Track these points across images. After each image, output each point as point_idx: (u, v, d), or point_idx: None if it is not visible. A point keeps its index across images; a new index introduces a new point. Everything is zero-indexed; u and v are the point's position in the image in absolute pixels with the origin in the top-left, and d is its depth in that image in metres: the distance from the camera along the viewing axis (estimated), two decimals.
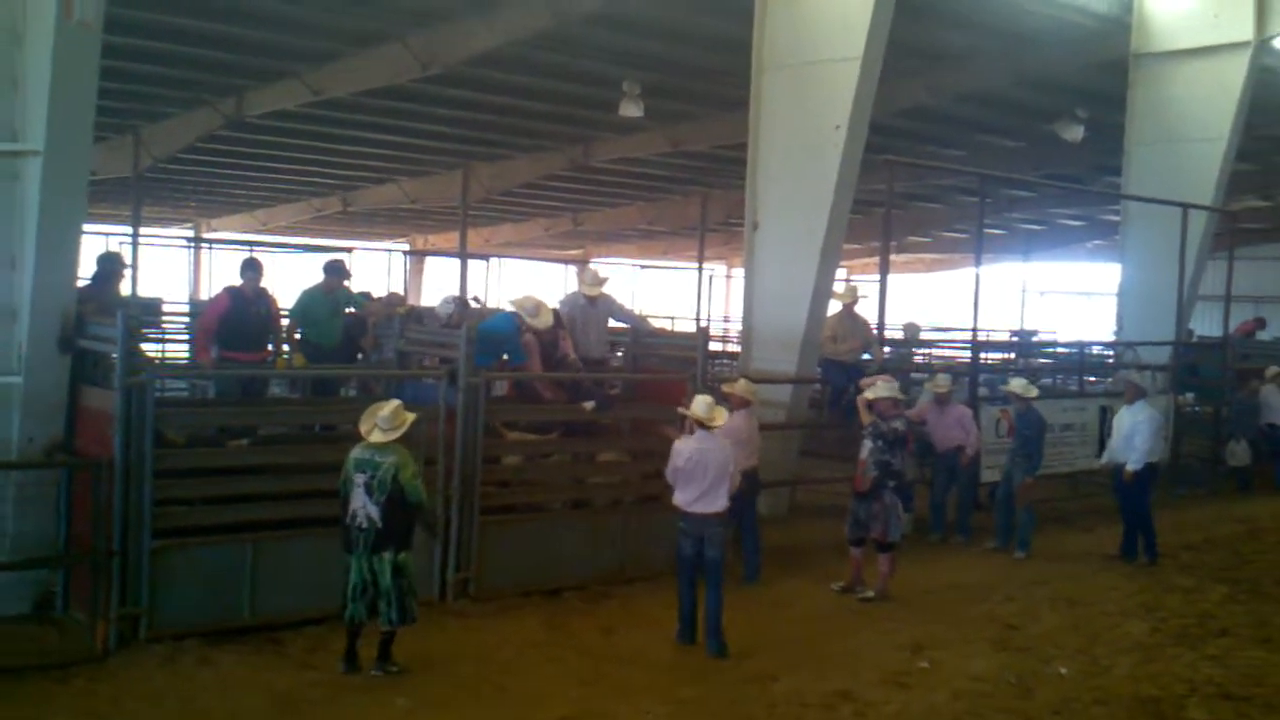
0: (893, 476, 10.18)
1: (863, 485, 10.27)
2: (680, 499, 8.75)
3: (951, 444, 12.37)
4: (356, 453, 7.77)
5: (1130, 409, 12.05)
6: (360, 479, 7.64)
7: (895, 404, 10.60)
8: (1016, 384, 12.13)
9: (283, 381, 12.65)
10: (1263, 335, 23.72)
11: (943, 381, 12.55)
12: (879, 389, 10.55)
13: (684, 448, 8.77)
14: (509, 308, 10.78)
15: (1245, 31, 17.11)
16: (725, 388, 10.66)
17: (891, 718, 7.30)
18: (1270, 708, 7.44)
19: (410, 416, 7.88)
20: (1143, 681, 7.94)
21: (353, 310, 12.06)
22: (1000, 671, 8.17)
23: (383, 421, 7.72)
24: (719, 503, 8.67)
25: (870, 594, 10.32)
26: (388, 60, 16.40)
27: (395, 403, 7.90)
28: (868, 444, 10.30)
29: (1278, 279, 32.73)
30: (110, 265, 11.54)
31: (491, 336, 10.25)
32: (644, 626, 9.09)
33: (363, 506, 7.63)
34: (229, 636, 8.24)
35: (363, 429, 7.78)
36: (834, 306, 13.52)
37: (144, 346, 10.56)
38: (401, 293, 19.76)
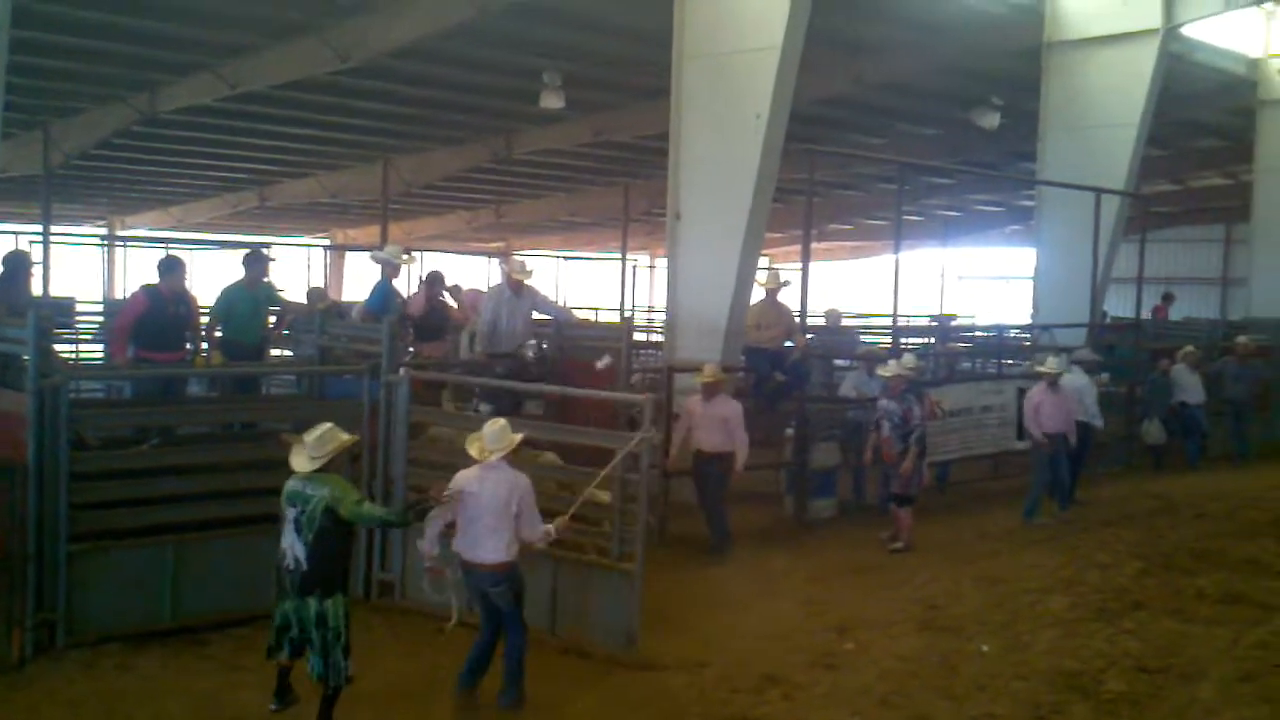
0: (905, 435, 11.56)
1: (891, 459, 11.67)
2: (456, 543, 7.50)
3: None
4: (290, 484, 6.93)
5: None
6: (291, 513, 6.85)
7: (905, 382, 11.61)
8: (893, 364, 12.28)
9: (203, 380, 12.47)
10: (1171, 311, 24.29)
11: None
12: (890, 367, 11.73)
13: (461, 478, 7.48)
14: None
15: (1154, 19, 17.49)
16: (695, 378, 11.33)
17: (820, 699, 7.38)
18: (1185, 677, 7.60)
19: (345, 439, 7.03)
20: (1063, 656, 8.08)
21: (275, 309, 11.93)
22: (925, 651, 8.29)
23: (311, 448, 6.88)
24: (492, 553, 7.32)
25: (899, 545, 11.51)
26: (305, 53, 16.18)
27: (325, 425, 7.02)
28: (886, 424, 11.64)
29: (1188, 260, 33.58)
30: (17, 264, 11.29)
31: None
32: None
33: (291, 545, 6.83)
34: (151, 640, 8.13)
35: (292, 461, 6.95)
36: (758, 294, 13.61)
37: (57, 347, 10.32)
38: (322, 288, 19.49)
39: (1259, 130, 22.35)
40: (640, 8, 14.64)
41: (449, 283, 13.91)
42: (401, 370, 9.43)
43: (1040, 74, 18.20)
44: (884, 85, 19.51)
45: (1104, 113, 17.83)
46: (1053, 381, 12.93)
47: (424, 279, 13.85)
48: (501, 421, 7.50)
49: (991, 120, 20.97)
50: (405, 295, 14.23)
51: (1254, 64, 21.76)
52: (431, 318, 13.17)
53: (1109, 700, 7.27)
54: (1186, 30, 18.46)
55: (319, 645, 6.80)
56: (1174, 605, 9.27)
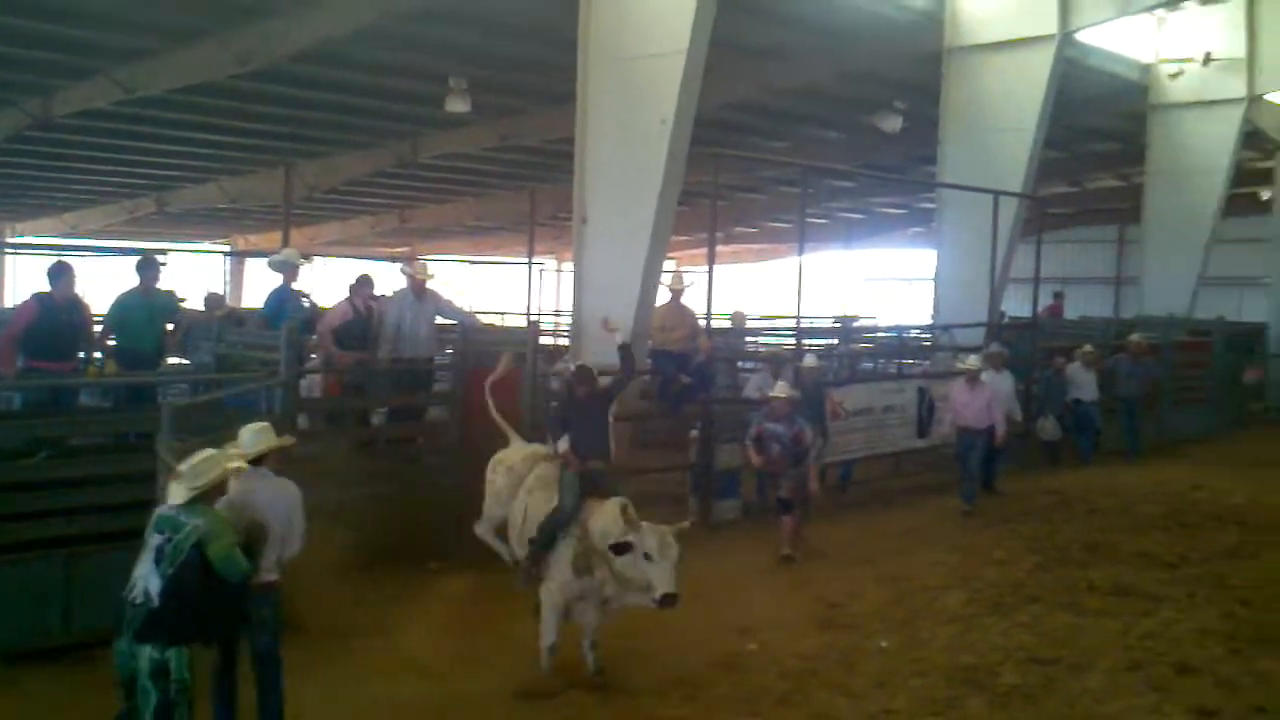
0: (799, 457, 11.37)
1: (781, 473, 11.48)
2: None
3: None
4: (162, 509, 6.04)
5: None
6: (155, 540, 5.88)
7: (791, 404, 11.43)
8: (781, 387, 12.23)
9: (95, 390, 12.16)
10: (1066, 310, 24.91)
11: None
12: (779, 388, 11.53)
13: (231, 491, 6.45)
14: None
15: (1050, 25, 17.96)
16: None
17: (720, 700, 7.44)
18: (1076, 668, 7.81)
19: (225, 467, 6.16)
20: (960, 651, 8.24)
21: (172, 316, 11.69)
22: (826, 649, 8.41)
23: (188, 474, 5.99)
24: (262, 571, 6.38)
25: (786, 551, 11.28)
26: (203, 57, 15.93)
27: (204, 453, 6.16)
28: (776, 447, 11.36)
29: (1083, 260, 34.43)
30: None
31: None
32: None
33: (144, 576, 5.84)
34: (39, 657, 7.89)
35: (170, 492, 6.07)
36: (664, 296, 13.68)
37: None
38: (220, 294, 19.14)
39: (1150, 133, 23.04)
40: (546, 12, 14.66)
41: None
42: (310, 378, 9.32)
43: (941, 79, 18.55)
44: (789, 90, 19.73)
45: (1002, 116, 18.23)
46: (973, 377, 13.33)
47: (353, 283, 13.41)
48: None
49: (894, 124, 21.32)
50: (307, 299, 13.77)
51: (1145, 69, 22.47)
52: (354, 326, 12.59)
53: (1003, 693, 7.44)
54: (1081, 36, 18.98)
55: (155, 703, 5.82)
56: (1067, 598, 9.53)
